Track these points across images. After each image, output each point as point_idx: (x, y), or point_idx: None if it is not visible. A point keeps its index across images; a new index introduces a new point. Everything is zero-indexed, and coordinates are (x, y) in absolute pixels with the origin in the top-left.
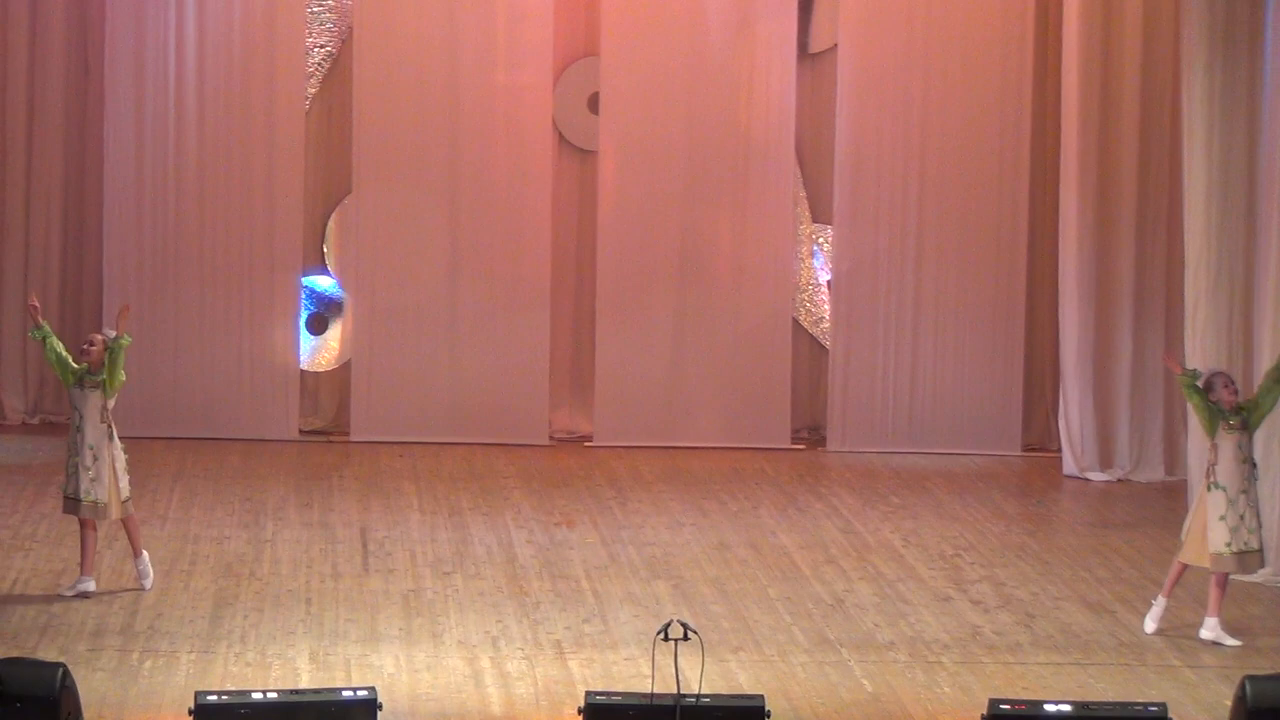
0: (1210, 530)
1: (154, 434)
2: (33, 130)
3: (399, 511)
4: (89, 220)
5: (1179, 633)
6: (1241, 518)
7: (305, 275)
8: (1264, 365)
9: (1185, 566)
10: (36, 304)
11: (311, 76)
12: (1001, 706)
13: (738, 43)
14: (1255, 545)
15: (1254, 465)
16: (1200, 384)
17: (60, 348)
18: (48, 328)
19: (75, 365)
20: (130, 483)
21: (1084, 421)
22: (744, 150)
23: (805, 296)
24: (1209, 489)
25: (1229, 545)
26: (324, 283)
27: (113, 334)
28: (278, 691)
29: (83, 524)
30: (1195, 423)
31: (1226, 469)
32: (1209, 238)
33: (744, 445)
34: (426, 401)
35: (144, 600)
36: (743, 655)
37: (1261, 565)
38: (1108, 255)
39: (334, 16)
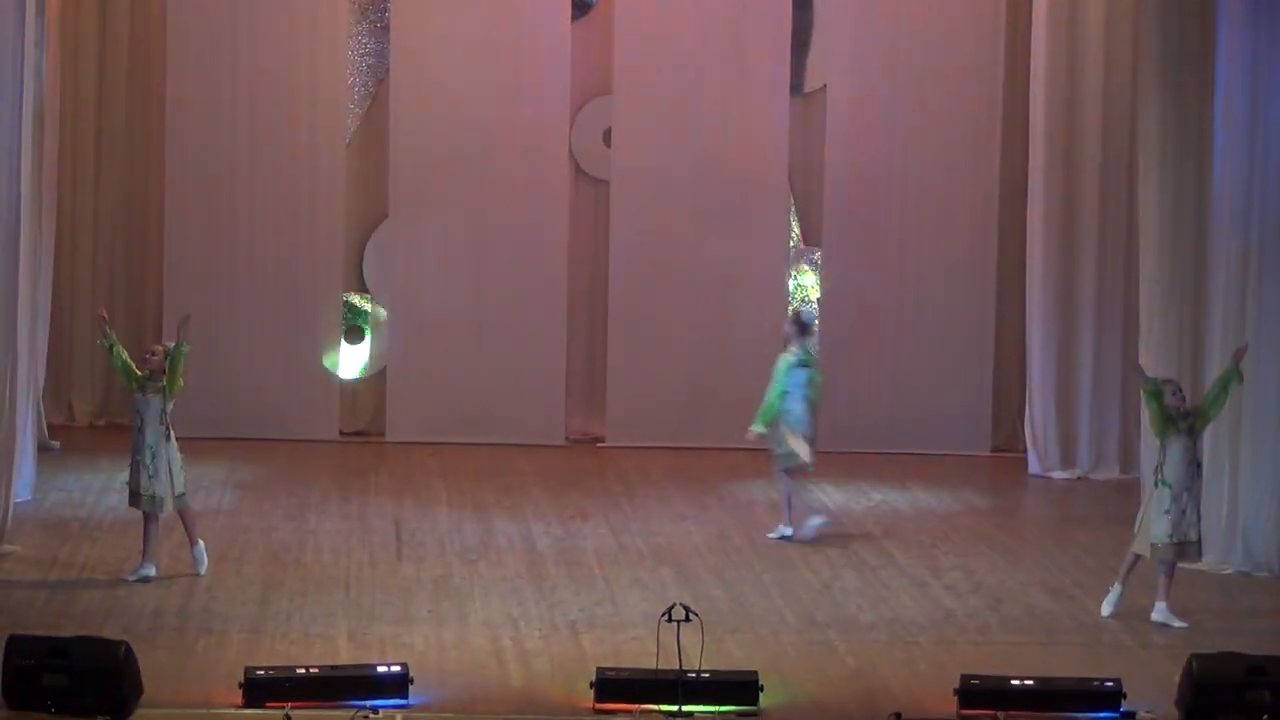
0: (1153, 523)
1: (209, 435)
2: (100, 161)
3: (429, 505)
4: (151, 240)
5: (1133, 616)
6: (1184, 513)
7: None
8: (1211, 377)
9: (1139, 556)
10: (105, 314)
11: (352, 112)
12: (972, 681)
13: (737, 83)
14: (1194, 537)
15: (1199, 466)
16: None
17: (125, 355)
18: (114, 336)
19: (138, 372)
20: (186, 479)
21: (1048, 425)
22: (742, 179)
23: None
24: (1156, 485)
25: (1170, 536)
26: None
27: (172, 344)
28: (319, 667)
29: (145, 516)
30: (1148, 425)
31: (1174, 468)
32: (1162, 263)
33: (741, 446)
34: (454, 406)
35: (199, 584)
36: (739, 635)
37: (1199, 556)
38: (1071, 274)
39: (373, 59)
